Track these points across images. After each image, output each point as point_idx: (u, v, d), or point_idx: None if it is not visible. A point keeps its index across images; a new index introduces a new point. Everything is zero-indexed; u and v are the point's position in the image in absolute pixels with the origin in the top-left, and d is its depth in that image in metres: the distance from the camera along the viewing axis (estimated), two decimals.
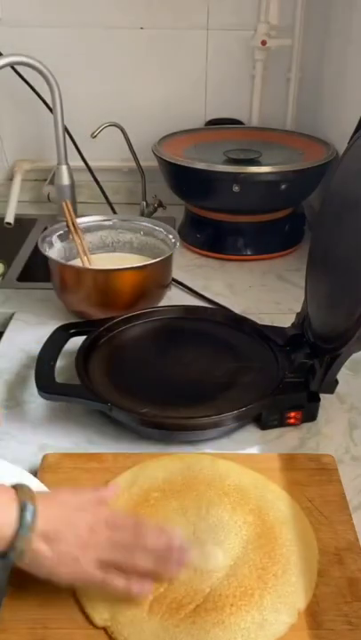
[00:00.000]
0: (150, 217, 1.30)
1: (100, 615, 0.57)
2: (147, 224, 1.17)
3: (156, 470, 0.72)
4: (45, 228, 1.16)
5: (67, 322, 0.97)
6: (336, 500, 0.69)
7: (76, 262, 1.11)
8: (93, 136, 1.27)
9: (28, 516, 0.55)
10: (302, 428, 0.84)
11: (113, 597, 0.58)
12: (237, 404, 0.80)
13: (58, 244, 1.12)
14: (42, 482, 0.71)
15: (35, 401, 0.87)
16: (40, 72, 1.24)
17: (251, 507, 0.67)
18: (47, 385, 0.83)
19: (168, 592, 0.59)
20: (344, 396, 0.89)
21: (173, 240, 1.10)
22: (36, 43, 1.35)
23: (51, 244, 1.11)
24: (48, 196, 1.50)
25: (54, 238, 1.12)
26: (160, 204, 1.36)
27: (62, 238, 1.13)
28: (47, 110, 1.34)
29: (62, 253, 1.13)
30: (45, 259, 1.05)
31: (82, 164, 1.39)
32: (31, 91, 1.36)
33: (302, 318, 0.91)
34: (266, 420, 0.83)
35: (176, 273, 1.14)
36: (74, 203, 1.35)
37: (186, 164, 1.24)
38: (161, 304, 1.08)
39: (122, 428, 0.82)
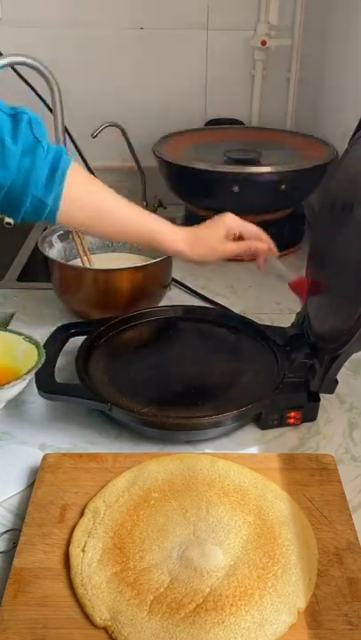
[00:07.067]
0: None
1: (100, 615, 0.57)
2: None
3: (156, 470, 0.72)
4: (45, 229, 1.16)
5: (67, 322, 0.97)
6: (336, 499, 0.69)
7: (77, 262, 1.12)
8: (93, 136, 1.27)
9: None
10: (302, 427, 0.84)
11: (113, 597, 0.58)
12: (237, 404, 0.80)
13: (58, 244, 1.13)
14: (42, 482, 0.71)
15: (35, 401, 0.87)
16: (40, 72, 1.24)
17: (251, 507, 0.67)
18: (47, 385, 0.83)
19: (168, 592, 0.59)
20: (344, 396, 0.89)
21: None
22: (36, 43, 1.36)
23: (51, 245, 1.11)
24: None
25: (54, 238, 1.12)
26: (160, 204, 1.36)
27: (62, 238, 1.13)
28: (47, 110, 1.34)
29: (62, 253, 1.13)
30: (45, 259, 1.05)
31: (82, 163, 1.39)
32: (31, 91, 1.36)
33: (302, 318, 0.91)
34: (266, 419, 0.83)
35: (176, 273, 1.14)
36: None
37: (186, 164, 1.24)
38: (161, 304, 1.08)
39: (122, 428, 0.82)
